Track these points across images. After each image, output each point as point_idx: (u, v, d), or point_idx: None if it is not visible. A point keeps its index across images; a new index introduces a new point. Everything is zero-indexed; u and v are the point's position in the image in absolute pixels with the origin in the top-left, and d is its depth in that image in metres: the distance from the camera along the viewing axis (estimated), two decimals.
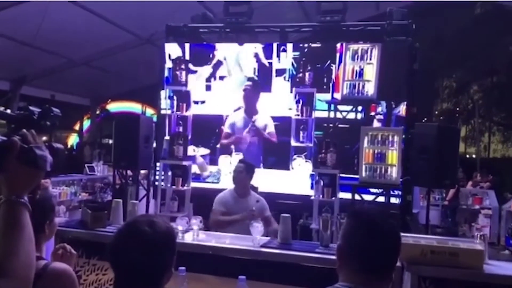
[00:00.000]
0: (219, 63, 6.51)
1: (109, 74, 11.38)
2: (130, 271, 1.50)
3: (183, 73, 6.53)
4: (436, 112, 23.02)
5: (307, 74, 6.10)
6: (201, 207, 5.30)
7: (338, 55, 6.04)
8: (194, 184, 6.16)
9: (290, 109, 6.23)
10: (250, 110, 6.39)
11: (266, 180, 6.01)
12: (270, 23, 6.37)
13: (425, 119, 16.95)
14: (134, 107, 14.94)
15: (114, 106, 15.23)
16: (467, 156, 24.91)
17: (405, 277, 3.01)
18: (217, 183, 6.43)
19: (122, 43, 9.55)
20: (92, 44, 9.35)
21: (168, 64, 6.63)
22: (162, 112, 6.68)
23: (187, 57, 6.60)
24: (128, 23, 8.71)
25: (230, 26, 6.21)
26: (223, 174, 6.46)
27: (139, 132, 5.44)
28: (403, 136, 5.42)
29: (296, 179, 6.14)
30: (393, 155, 4.98)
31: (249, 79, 6.42)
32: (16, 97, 10.75)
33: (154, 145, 6.35)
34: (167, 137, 6.38)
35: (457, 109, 23.38)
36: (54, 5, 7.44)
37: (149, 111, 12.60)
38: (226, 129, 6.49)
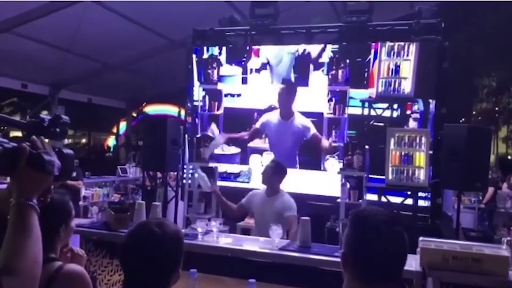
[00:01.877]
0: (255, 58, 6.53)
1: (144, 78, 11.62)
2: (139, 270, 1.55)
3: (215, 71, 6.60)
4: (474, 112, 22.32)
5: (340, 71, 6.04)
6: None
7: (373, 51, 5.92)
8: (224, 183, 6.20)
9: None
10: (286, 112, 6.34)
11: (299, 180, 5.97)
12: (296, 24, 6.34)
13: (463, 119, 16.49)
14: (170, 109, 15.22)
15: (151, 109, 15.55)
16: (509, 157, 24.01)
17: (428, 283, 2.95)
18: (248, 182, 6.44)
19: (156, 47, 9.74)
20: (127, 48, 9.58)
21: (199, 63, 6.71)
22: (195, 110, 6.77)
23: (224, 54, 6.63)
24: (161, 27, 8.87)
25: (256, 28, 6.23)
26: (253, 173, 6.46)
27: (167, 135, 5.53)
28: (437, 137, 5.29)
29: (329, 180, 5.97)
30: (420, 157, 4.86)
31: (283, 81, 6.38)
32: (55, 101, 11.15)
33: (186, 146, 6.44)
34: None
35: (497, 108, 22.58)
36: (90, 11, 7.67)
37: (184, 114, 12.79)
38: (257, 125, 6.47)
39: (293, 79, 6.40)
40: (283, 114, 6.36)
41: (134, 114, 15.64)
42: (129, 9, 7.97)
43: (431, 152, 5.10)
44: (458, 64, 14.88)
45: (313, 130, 6.21)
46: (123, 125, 16.23)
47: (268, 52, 6.50)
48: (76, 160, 8.97)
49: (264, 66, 6.50)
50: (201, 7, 7.73)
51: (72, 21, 7.94)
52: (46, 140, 1.32)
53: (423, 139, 4.89)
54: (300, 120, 6.30)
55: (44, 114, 1.49)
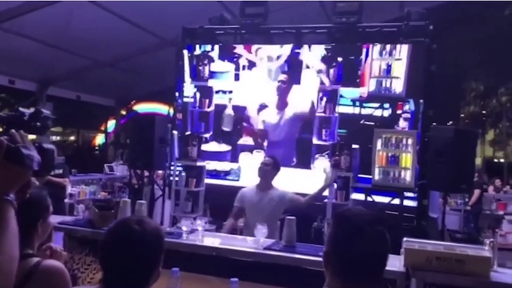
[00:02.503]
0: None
1: (133, 76, 11.57)
2: (118, 268, 1.53)
3: (206, 68, 6.57)
4: (462, 115, 22.53)
5: (331, 70, 6.04)
6: (219, 205, 5.33)
7: (364, 50, 5.93)
8: (214, 181, 6.19)
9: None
10: (282, 103, 6.33)
11: (288, 179, 5.98)
12: (286, 24, 6.35)
13: (451, 122, 16.62)
14: (160, 108, 15.15)
15: (140, 107, 15.47)
16: (495, 160, 24.26)
17: (412, 283, 2.97)
18: (237, 180, 6.41)
19: (146, 45, 9.69)
20: (117, 46, 9.51)
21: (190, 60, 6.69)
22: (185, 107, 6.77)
23: (216, 50, 6.61)
24: (152, 25, 8.83)
25: (245, 27, 6.22)
26: (243, 171, 6.45)
27: (154, 133, 5.51)
28: (424, 139, 5.32)
29: (317, 179, 5.83)
30: (407, 158, 4.89)
31: (283, 72, 6.37)
32: (43, 98, 11.04)
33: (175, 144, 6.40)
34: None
35: (484, 112, 22.81)
36: (80, 8, 7.61)
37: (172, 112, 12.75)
38: (259, 126, 6.46)
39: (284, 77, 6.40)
40: (279, 105, 6.34)
41: (123, 112, 15.55)
42: (119, 7, 7.92)
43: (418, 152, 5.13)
44: (447, 67, 15.01)
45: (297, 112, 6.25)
46: (112, 123, 16.13)
47: (261, 49, 6.48)
48: (62, 157, 8.93)
49: (255, 63, 6.48)
50: (191, 5, 7.69)
51: (62, 17, 7.87)
52: (30, 136, 1.31)
53: (410, 141, 4.92)
54: (293, 108, 6.33)
55: (24, 108, 1.46)
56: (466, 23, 17.15)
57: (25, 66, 9.78)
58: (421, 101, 5.70)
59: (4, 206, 1.15)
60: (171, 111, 8.44)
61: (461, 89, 21.10)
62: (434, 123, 5.48)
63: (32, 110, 1.48)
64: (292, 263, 3.09)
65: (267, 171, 4.33)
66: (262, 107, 6.47)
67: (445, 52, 12.47)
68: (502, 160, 22.57)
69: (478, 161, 19.96)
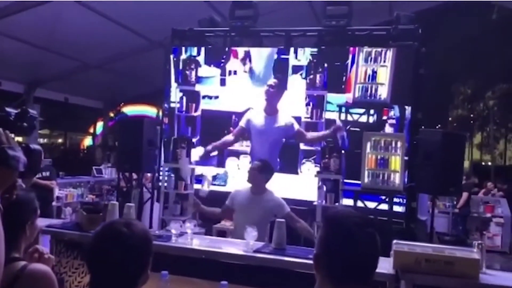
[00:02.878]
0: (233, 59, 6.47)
1: (122, 78, 11.49)
2: (106, 271, 1.52)
3: (193, 72, 6.54)
4: (450, 119, 22.77)
5: (318, 76, 6.03)
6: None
7: (350, 56, 5.92)
8: (200, 186, 6.16)
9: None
10: (271, 108, 6.27)
11: (275, 184, 5.97)
12: (276, 27, 6.35)
13: (439, 125, 16.77)
14: (149, 110, 15.07)
15: (129, 110, 15.38)
16: (483, 163, 24.53)
17: (401, 286, 2.98)
18: (224, 185, 6.39)
19: (135, 47, 9.64)
20: (105, 47, 9.45)
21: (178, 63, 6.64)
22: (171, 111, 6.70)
23: (202, 55, 6.56)
24: (141, 27, 8.79)
25: (235, 30, 6.21)
26: (230, 176, 6.42)
27: (143, 135, 5.47)
28: (413, 142, 5.34)
29: (304, 184, 5.96)
30: (396, 161, 4.91)
31: (275, 77, 6.31)
32: (30, 99, 10.91)
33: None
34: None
35: (472, 115, 23.08)
36: (68, 9, 7.55)
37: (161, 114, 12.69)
38: (242, 124, 6.38)
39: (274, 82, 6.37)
40: (268, 110, 6.31)
41: (112, 114, 15.44)
42: (108, 8, 7.87)
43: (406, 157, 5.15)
44: (435, 71, 15.16)
45: (296, 126, 6.20)
46: (100, 125, 16.01)
47: (247, 53, 6.46)
48: (49, 160, 8.83)
49: (242, 68, 6.46)
50: (180, 7, 7.67)
51: (50, 18, 7.80)
52: (14, 136, 1.28)
53: (399, 143, 4.94)
54: (284, 117, 6.27)
55: (10, 108, 1.44)
56: (453, 27, 17.35)
57: (12, 68, 9.67)
58: (406, 107, 5.72)
59: None
60: (160, 113, 8.42)
61: (449, 92, 21.33)
62: (422, 126, 5.52)
63: (18, 110, 1.45)
64: (282, 266, 3.09)
65: (255, 175, 4.32)
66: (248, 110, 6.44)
67: (433, 56, 12.60)
68: (489, 163, 22.83)
69: (466, 164, 20.16)
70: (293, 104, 6.22)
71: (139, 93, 13.60)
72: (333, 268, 1.48)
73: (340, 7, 5.78)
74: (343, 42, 6.05)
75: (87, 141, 19.14)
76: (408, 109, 5.71)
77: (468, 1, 12.20)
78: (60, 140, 21.41)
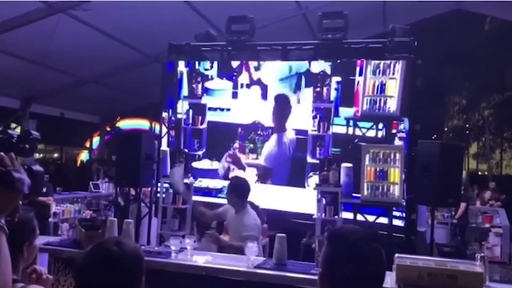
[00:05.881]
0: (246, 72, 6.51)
1: (118, 92, 11.48)
2: None
3: (199, 85, 6.56)
4: (446, 129, 22.84)
5: (325, 88, 6.03)
6: (210, 223, 5.29)
7: (358, 69, 5.90)
8: (206, 199, 6.15)
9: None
10: (279, 127, 6.31)
11: (279, 197, 5.93)
12: (272, 41, 6.37)
13: (435, 136, 16.82)
14: (144, 124, 15.07)
15: (124, 124, 15.37)
16: (479, 173, 24.57)
17: None
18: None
19: (130, 61, 9.64)
20: (100, 62, 9.45)
21: (182, 70, 6.68)
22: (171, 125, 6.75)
23: (215, 64, 6.59)
24: (136, 42, 8.81)
25: (232, 44, 6.23)
26: None
27: (141, 150, 5.44)
28: (411, 153, 5.33)
29: (312, 197, 5.70)
30: (395, 173, 4.90)
31: (278, 96, 6.33)
32: (26, 115, 10.88)
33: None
34: (164, 148, 6.30)
35: (467, 125, 23.17)
36: (63, 24, 7.54)
37: (158, 128, 12.68)
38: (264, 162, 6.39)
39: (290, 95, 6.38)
40: (276, 128, 6.34)
41: (108, 129, 15.42)
42: (103, 23, 7.88)
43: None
44: (429, 82, 15.26)
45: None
46: (96, 139, 15.96)
47: (262, 68, 6.46)
48: (46, 176, 8.77)
49: (255, 82, 6.47)
50: (176, 22, 7.70)
51: (45, 34, 7.79)
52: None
53: (398, 155, 4.94)
54: (290, 135, 6.31)
55: (12, 130, 1.43)
56: (447, 38, 17.50)
57: (8, 83, 9.64)
58: (405, 119, 5.69)
59: None
60: (157, 127, 8.41)
61: (444, 103, 21.43)
62: (419, 138, 5.51)
63: (19, 131, 1.44)
64: (283, 281, 3.06)
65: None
66: (255, 124, 6.44)
67: (427, 67, 12.69)
68: (486, 173, 22.87)
69: (463, 174, 20.23)
70: (305, 118, 6.21)
71: (134, 107, 13.61)
72: (339, 284, 1.46)
73: (336, 21, 5.81)
74: (339, 55, 6.06)
75: (84, 156, 19.08)
76: (405, 121, 5.70)
77: (461, 12, 12.31)
78: (56, 155, 21.32)
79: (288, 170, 6.31)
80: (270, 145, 6.37)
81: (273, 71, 6.42)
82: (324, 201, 5.29)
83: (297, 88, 6.30)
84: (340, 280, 1.45)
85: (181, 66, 6.68)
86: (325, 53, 6.12)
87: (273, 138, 6.36)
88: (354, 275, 1.43)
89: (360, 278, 1.44)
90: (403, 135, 5.70)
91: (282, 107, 6.30)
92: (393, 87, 5.72)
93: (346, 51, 6.00)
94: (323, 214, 5.23)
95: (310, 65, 6.20)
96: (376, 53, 5.87)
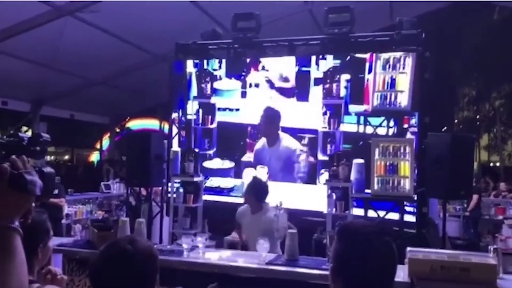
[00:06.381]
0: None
1: (126, 93, 11.56)
2: None
3: (208, 85, 6.58)
4: (456, 121, 22.63)
5: (334, 85, 5.99)
6: (221, 221, 5.31)
7: (367, 64, 5.84)
8: (217, 198, 6.17)
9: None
10: (272, 138, 6.30)
11: (292, 195, 5.89)
12: (279, 37, 6.36)
13: (445, 128, 16.70)
14: (153, 124, 15.15)
15: (133, 124, 15.46)
16: (491, 164, 24.33)
17: None
18: (241, 197, 6.26)
19: (138, 61, 9.70)
20: (109, 63, 9.52)
21: (191, 71, 6.68)
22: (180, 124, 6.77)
23: (224, 65, 6.58)
24: (144, 42, 8.86)
25: (238, 41, 6.22)
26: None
27: (150, 150, 5.47)
28: (421, 146, 5.29)
29: (320, 194, 5.67)
30: (405, 167, 4.86)
31: (265, 109, 6.32)
32: (36, 118, 11.01)
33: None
34: (176, 149, 6.34)
35: (478, 117, 22.93)
36: (71, 26, 7.61)
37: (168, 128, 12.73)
38: (252, 158, 6.44)
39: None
40: (269, 140, 6.34)
41: (118, 130, 15.51)
42: (110, 24, 7.93)
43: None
44: (439, 73, 15.13)
45: (298, 152, 6.20)
46: (106, 140, 16.08)
47: (268, 66, 6.43)
48: (57, 177, 8.85)
49: (262, 80, 6.44)
50: (183, 21, 7.72)
51: (53, 36, 7.87)
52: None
53: (408, 149, 4.90)
54: (286, 144, 6.26)
55: (23, 132, 1.45)
56: (455, 28, 17.34)
57: (18, 87, 9.76)
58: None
59: (11, 235, 1.12)
60: (166, 126, 8.45)
61: (454, 94, 21.24)
62: (429, 130, 5.46)
63: (29, 134, 1.46)
64: (295, 277, 3.06)
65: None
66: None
67: (436, 59, 12.58)
68: (498, 164, 22.66)
69: (474, 166, 20.06)
70: (315, 116, 6.17)
71: (144, 107, 13.70)
72: (351, 279, 1.46)
73: (342, 15, 5.77)
74: (346, 49, 6.03)
75: (94, 157, 19.24)
76: (417, 116, 5.65)
77: (469, 2, 12.19)
78: (66, 157, 21.52)
79: (291, 172, 6.29)
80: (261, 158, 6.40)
81: (280, 72, 6.40)
82: (334, 196, 5.27)
83: (302, 86, 6.25)
84: (352, 274, 1.45)
85: (190, 67, 6.69)
86: (332, 48, 6.08)
87: (263, 150, 6.39)
88: (366, 269, 1.43)
89: (372, 272, 1.44)
90: (415, 129, 5.65)
91: (270, 121, 6.30)
92: (404, 82, 5.65)
93: (353, 45, 5.96)
94: (334, 210, 5.21)
95: (318, 65, 6.16)
96: (383, 47, 5.82)
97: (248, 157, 6.50)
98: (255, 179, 4.68)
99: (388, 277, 1.49)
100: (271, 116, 6.28)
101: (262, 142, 6.42)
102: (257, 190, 4.34)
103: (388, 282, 1.49)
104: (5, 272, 1.09)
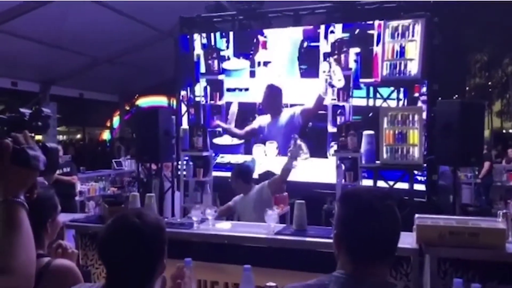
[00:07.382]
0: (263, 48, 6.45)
1: (134, 70, 11.56)
2: (121, 263, 1.50)
3: (215, 62, 6.55)
4: (468, 88, 22.28)
5: (342, 55, 5.93)
6: (233, 197, 5.35)
7: (376, 33, 5.76)
8: (227, 174, 6.19)
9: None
10: (275, 112, 6.38)
11: (303, 169, 5.93)
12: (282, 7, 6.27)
13: (456, 95, 16.47)
14: (162, 101, 15.16)
15: (142, 102, 15.50)
16: (504, 131, 24.02)
17: (426, 260, 2.95)
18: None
19: (144, 38, 9.67)
20: (115, 41, 9.50)
21: (199, 52, 6.69)
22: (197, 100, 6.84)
23: (231, 45, 6.55)
24: (149, 18, 8.80)
25: (242, 13, 6.16)
26: (257, 163, 6.40)
27: (159, 126, 5.51)
28: (431, 114, 5.25)
29: (330, 167, 5.73)
30: (414, 135, 4.83)
31: (268, 86, 6.35)
32: (46, 98, 11.09)
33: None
34: (185, 127, 6.36)
35: (490, 83, 22.54)
36: (76, 5, 7.58)
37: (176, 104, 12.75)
38: (254, 125, 6.49)
39: (298, 72, 6.33)
40: (273, 116, 6.40)
41: (127, 107, 15.58)
42: (115, 0, 7.87)
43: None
44: (449, 40, 14.83)
45: (298, 111, 6.19)
46: (116, 118, 16.16)
47: (274, 43, 6.39)
48: (69, 156, 8.95)
49: (270, 57, 6.42)
50: None
51: (58, 16, 7.86)
52: (33, 135, 1.29)
53: (416, 117, 4.86)
54: (287, 113, 6.31)
55: (24, 108, 1.45)
56: None
57: (27, 68, 9.81)
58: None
59: (17, 209, 1.14)
60: (174, 102, 8.46)
61: (465, 61, 20.86)
62: (439, 98, 5.40)
63: (32, 110, 1.46)
64: (304, 246, 3.09)
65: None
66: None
67: (446, 25, 12.32)
68: (511, 131, 22.38)
69: (486, 133, 19.83)
70: (323, 91, 6.15)
71: (152, 84, 13.68)
72: (355, 245, 1.44)
73: None
74: (353, 17, 5.93)
75: (105, 135, 19.38)
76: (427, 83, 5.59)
77: None
78: (78, 136, 21.71)
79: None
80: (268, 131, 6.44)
81: (287, 51, 6.35)
82: (343, 167, 5.27)
83: (310, 62, 6.24)
84: (354, 238, 1.44)
85: (198, 49, 6.66)
86: (338, 16, 5.99)
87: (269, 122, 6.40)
88: (369, 232, 1.42)
89: (375, 236, 1.42)
90: (425, 98, 5.60)
91: (273, 97, 6.31)
92: (413, 50, 5.57)
93: (360, 12, 5.86)
94: (343, 180, 5.22)
95: (327, 39, 6.05)
96: (391, 14, 5.71)
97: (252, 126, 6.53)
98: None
99: (391, 241, 1.48)
100: (273, 93, 6.27)
101: (266, 118, 6.41)
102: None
103: (390, 246, 1.48)
104: (12, 245, 1.11)
